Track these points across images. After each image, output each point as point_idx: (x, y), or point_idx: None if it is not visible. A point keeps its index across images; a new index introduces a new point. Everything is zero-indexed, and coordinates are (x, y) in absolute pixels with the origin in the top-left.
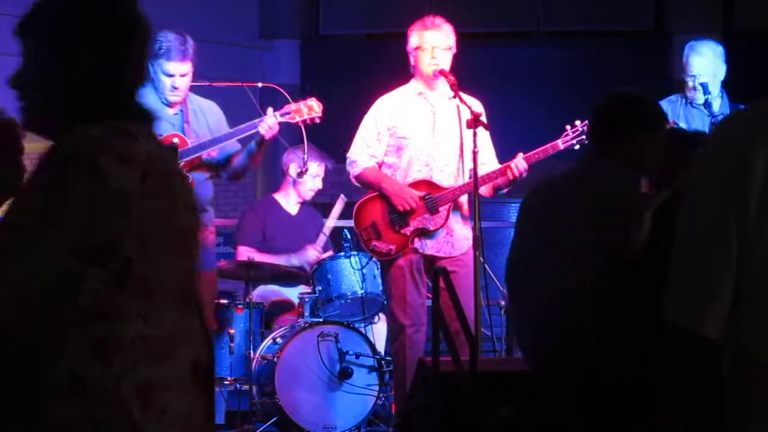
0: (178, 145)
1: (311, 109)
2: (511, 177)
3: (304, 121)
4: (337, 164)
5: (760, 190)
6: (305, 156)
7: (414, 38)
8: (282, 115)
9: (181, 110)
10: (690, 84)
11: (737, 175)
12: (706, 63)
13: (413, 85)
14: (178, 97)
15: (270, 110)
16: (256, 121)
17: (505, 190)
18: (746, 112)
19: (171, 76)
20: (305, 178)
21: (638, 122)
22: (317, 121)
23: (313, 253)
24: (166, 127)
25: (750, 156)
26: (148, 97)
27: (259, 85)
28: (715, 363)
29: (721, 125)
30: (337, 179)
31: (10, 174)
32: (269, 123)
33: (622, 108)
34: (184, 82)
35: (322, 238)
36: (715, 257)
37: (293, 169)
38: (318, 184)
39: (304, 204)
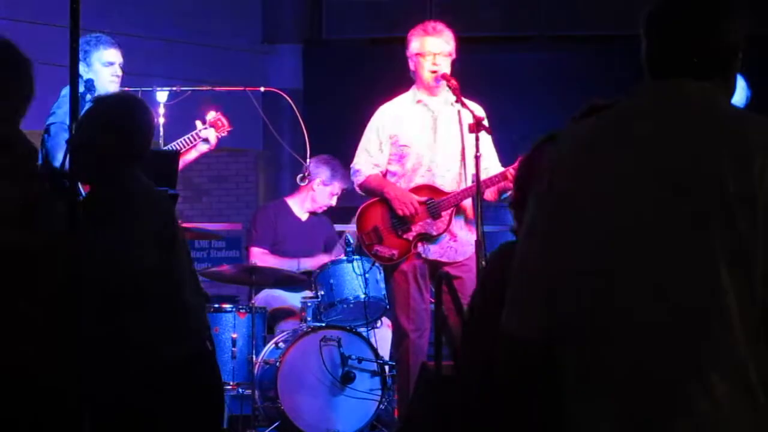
0: None
1: (223, 125)
2: (512, 182)
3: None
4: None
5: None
6: (308, 163)
7: (415, 44)
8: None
9: None
10: None
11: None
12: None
13: (412, 93)
14: (117, 88)
15: (198, 123)
16: (197, 133)
17: (509, 194)
18: (566, 131)
19: (111, 64)
20: (323, 190)
21: None
22: (225, 134)
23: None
24: None
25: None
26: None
27: (262, 89)
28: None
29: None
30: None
31: None
32: (211, 136)
33: None
34: (120, 73)
35: (339, 249)
36: (523, 268)
37: (318, 179)
38: (333, 202)
39: (313, 213)
